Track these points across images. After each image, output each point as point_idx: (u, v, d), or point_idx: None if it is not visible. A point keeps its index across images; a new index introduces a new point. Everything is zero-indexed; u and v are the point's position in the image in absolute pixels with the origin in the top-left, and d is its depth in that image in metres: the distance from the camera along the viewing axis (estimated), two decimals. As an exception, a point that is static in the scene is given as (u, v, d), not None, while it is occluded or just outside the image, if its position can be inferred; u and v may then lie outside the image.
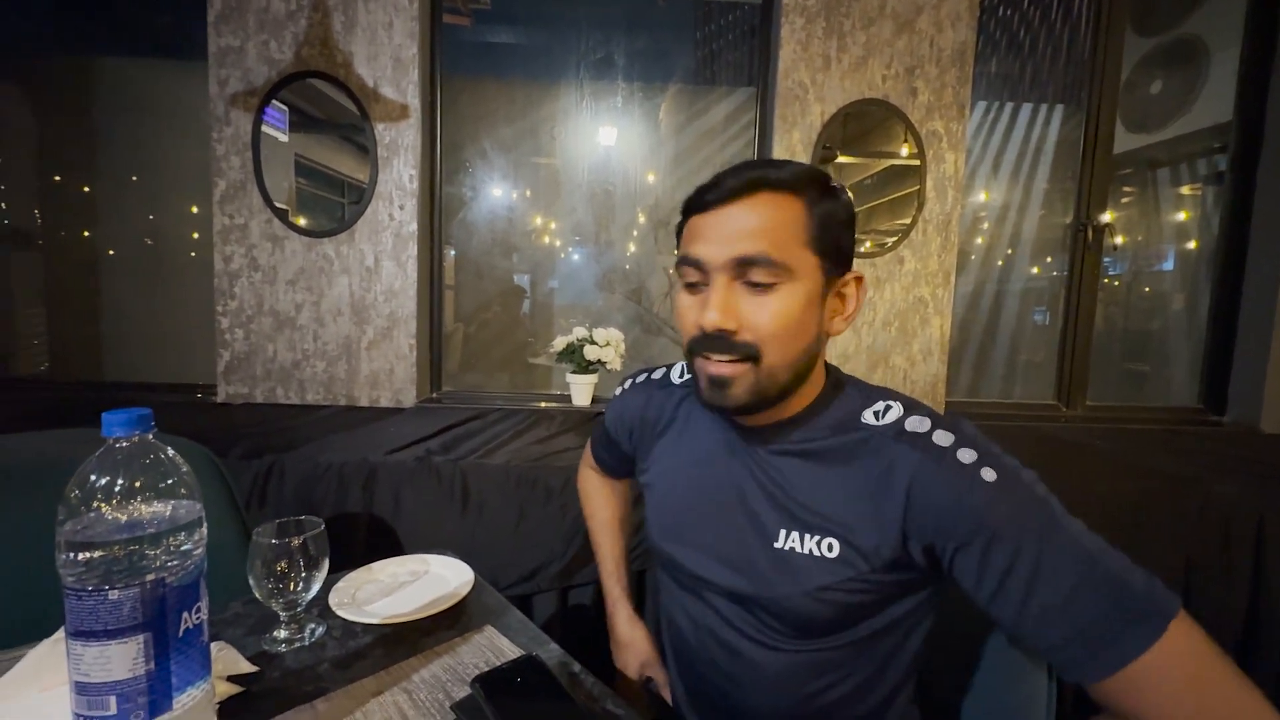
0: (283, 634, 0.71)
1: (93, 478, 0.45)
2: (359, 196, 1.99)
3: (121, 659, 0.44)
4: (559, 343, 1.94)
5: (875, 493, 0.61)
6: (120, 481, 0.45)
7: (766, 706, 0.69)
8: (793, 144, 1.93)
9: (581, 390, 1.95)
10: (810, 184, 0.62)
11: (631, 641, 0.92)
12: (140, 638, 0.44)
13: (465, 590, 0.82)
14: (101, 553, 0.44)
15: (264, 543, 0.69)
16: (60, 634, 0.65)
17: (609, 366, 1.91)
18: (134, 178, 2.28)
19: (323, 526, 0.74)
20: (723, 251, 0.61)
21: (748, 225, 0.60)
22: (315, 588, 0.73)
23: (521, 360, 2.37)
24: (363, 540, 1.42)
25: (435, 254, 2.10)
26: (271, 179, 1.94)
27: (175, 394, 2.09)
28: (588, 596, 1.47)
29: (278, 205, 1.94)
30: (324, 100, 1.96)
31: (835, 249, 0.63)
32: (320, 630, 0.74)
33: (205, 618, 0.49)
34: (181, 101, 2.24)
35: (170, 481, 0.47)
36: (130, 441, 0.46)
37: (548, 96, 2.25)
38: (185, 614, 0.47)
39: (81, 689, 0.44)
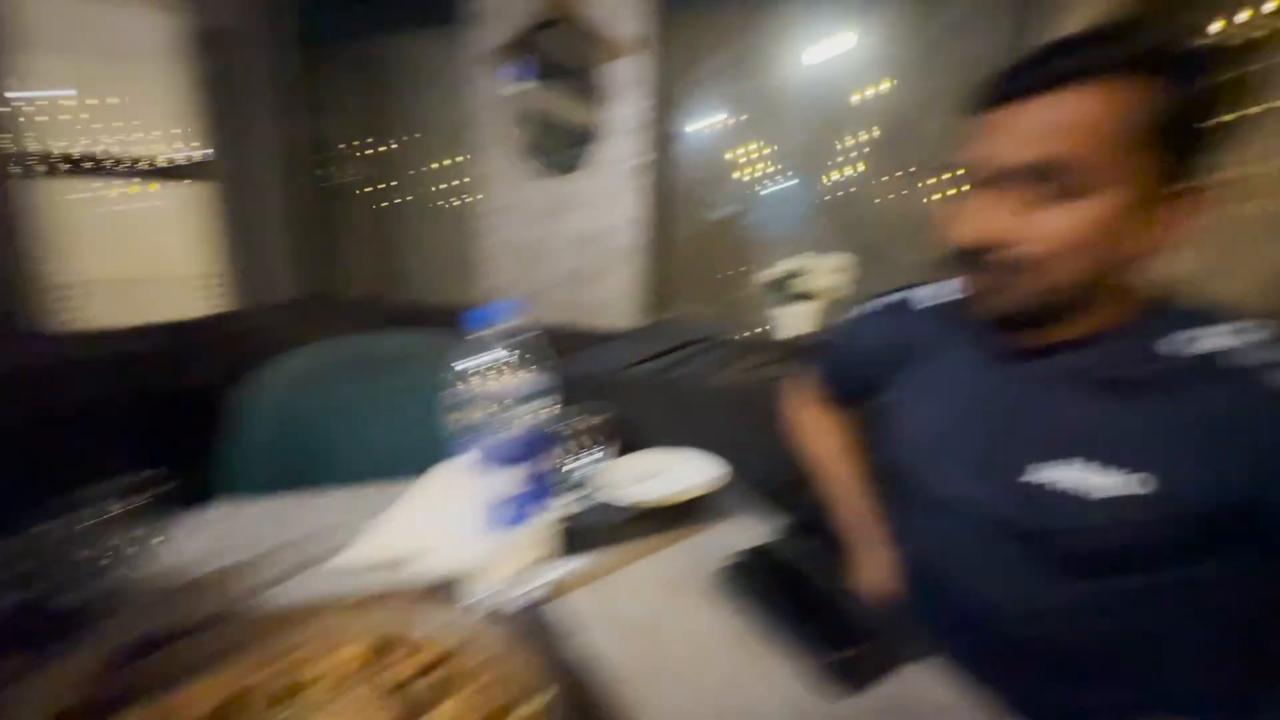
0: (560, 501, 0.86)
1: (485, 350, 0.59)
2: (591, 136, 2.14)
3: (507, 481, 0.59)
4: (777, 269, 1.93)
5: (1200, 431, 0.53)
6: (498, 355, 0.59)
7: (1025, 636, 0.66)
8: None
9: (795, 320, 1.93)
10: (1150, 62, 0.51)
11: (876, 564, 0.93)
12: (519, 469, 0.59)
13: (716, 483, 0.90)
14: (495, 405, 0.58)
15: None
16: (442, 469, 0.87)
17: (828, 297, 1.86)
18: (417, 135, 2.73)
19: (605, 416, 0.86)
20: (1018, 152, 0.53)
21: (1054, 121, 0.52)
22: (587, 468, 0.86)
23: (734, 290, 2.41)
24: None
25: (659, 186, 2.19)
26: (517, 127, 2.19)
27: (443, 316, 2.54)
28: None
29: (521, 150, 2.19)
30: (560, 46, 2.12)
31: (1175, 148, 0.52)
32: (589, 503, 0.88)
33: (552, 465, 0.63)
34: (449, 64, 2.57)
35: (528, 358, 0.61)
36: (506, 324, 0.60)
37: (769, 17, 2.15)
38: (545, 457, 0.61)
39: (480, 500, 0.60)
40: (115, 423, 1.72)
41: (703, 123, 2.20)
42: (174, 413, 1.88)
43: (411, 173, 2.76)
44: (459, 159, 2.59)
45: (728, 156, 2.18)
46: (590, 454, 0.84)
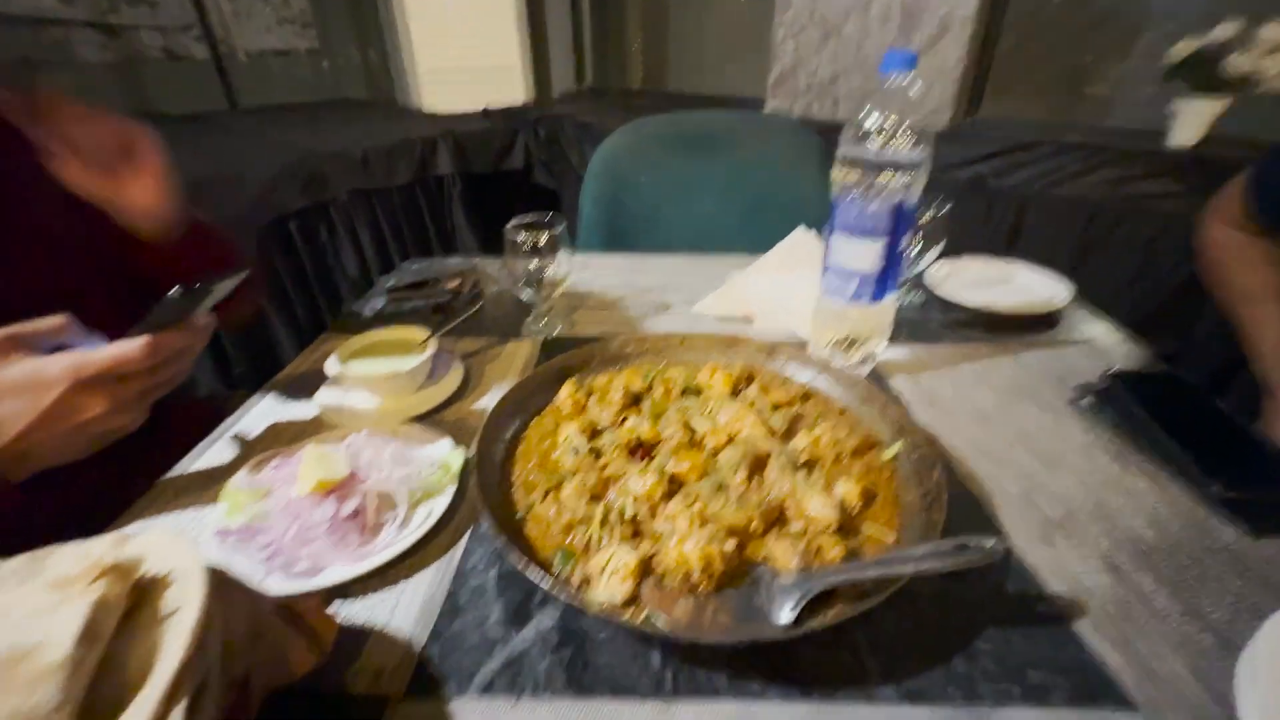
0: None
1: (867, 110, 0.56)
2: None
3: (866, 255, 0.59)
4: (1182, 47, 1.40)
5: None
6: (886, 114, 0.55)
7: None
8: None
9: (1200, 119, 1.43)
10: None
11: None
12: (880, 242, 0.58)
13: (1061, 301, 0.80)
14: (867, 172, 0.56)
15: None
16: (792, 239, 0.91)
17: (1267, 84, 1.31)
18: None
19: (943, 212, 0.79)
20: None
21: None
22: (925, 263, 0.82)
23: (1093, 79, 1.86)
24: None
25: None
26: None
27: (726, 105, 2.45)
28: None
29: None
30: None
31: None
32: (921, 299, 0.85)
33: (905, 247, 0.61)
34: None
35: (908, 127, 0.55)
36: (898, 78, 0.54)
37: None
38: (904, 235, 0.59)
39: (834, 269, 0.62)
40: (478, 192, 2.13)
41: None
42: (506, 188, 2.25)
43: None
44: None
45: None
46: (928, 248, 0.79)
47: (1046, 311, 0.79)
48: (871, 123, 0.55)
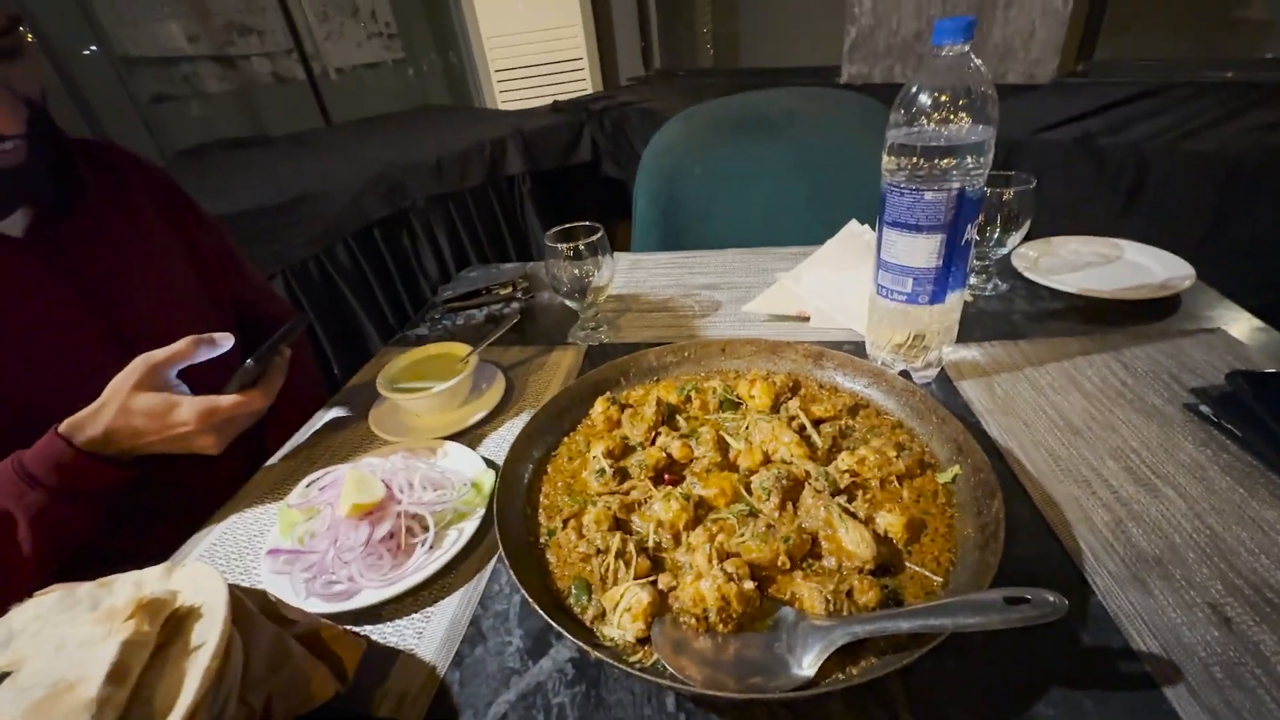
0: (972, 281, 0.76)
1: (915, 90, 0.50)
2: None
3: (922, 250, 0.53)
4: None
5: None
6: (941, 93, 0.48)
7: None
8: None
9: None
10: None
11: None
12: (938, 237, 0.52)
13: (1180, 284, 0.68)
14: (920, 159, 0.50)
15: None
16: (846, 233, 0.85)
17: None
18: None
19: (1023, 188, 0.69)
20: None
21: None
22: (1008, 246, 0.72)
23: (1239, 4, 1.57)
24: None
25: None
26: None
27: (802, 79, 2.31)
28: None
29: None
30: None
31: None
32: (1004, 286, 0.76)
33: (973, 238, 0.54)
34: None
35: (975, 101, 0.48)
36: (953, 50, 0.48)
37: None
38: (969, 225, 0.52)
39: (887, 267, 0.56)
40: (548, 188, 2.16)
41: None
42: (576, 181, 2.26)
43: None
44: None
45: None
46: (1010, 230, 0.70)
47: (1161, 296, 0.68)
48: (925, 100, 0.49)
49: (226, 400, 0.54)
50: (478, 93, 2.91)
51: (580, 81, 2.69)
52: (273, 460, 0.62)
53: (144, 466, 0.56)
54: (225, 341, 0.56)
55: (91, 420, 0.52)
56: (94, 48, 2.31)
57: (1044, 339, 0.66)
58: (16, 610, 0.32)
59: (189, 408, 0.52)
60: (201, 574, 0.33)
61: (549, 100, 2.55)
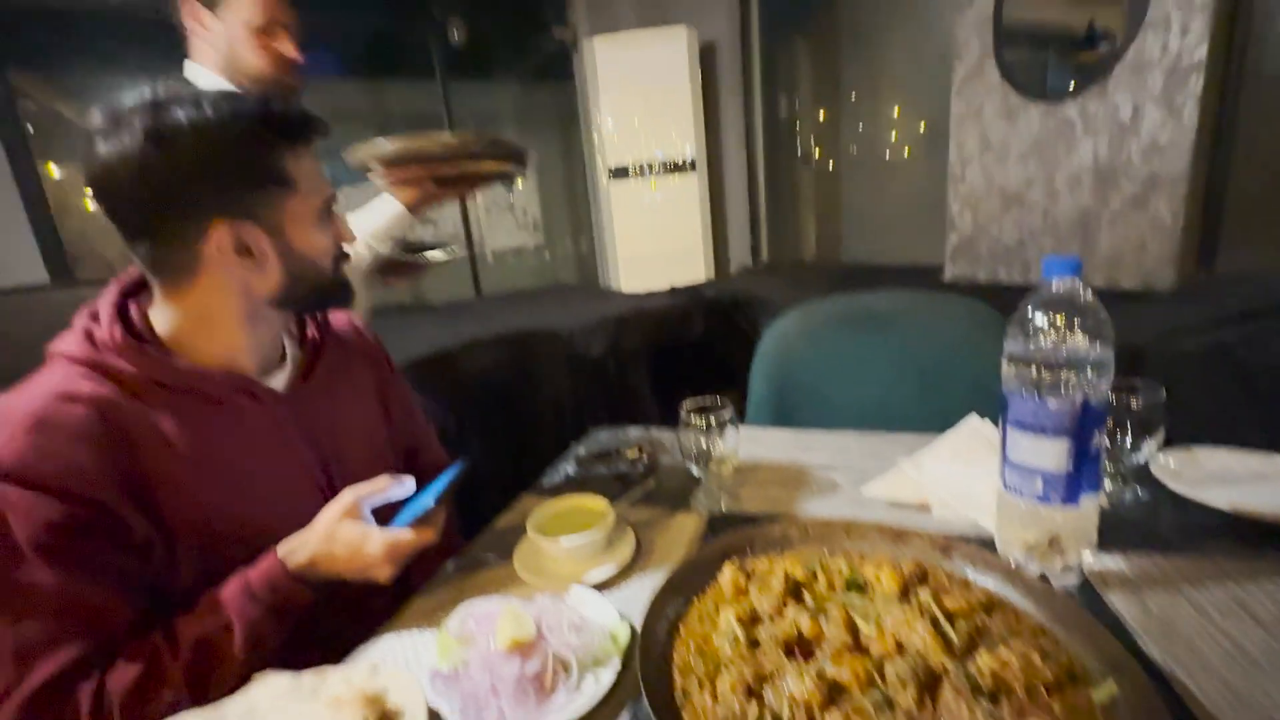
0: (1109, 487, 0.75)
1: (1030, 311, 0.57)
2: (1108, 41, 1.68)
3: (1050, 453, 0.55)
4: None
5: None
6: (1055, 314, 0.55)
7: None
8: None
9: None
10: None
11: None
12: (1065, 441, 0.55)
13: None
14: (1039, 371, 0.55)
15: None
16: (966, 427, 0.89)
17: None
18: (853, 95, 2.71)
19: (1158, 396, 0.71)
20: None
21: None
22: (1142, 452, 0.72)
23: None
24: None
25: (1227, 85, 1.58)
26: (998, 50, 1.89)
27: (903, 277, 2.47)
28: None
29: (1004, 77, 1.88)
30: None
31: None
32: (1144, 496, 0.74)
33: (1104, 445, 0.56)
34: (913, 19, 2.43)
35: (1089, 323, 0.54)
36: (1063, 284, 0.55)
37: None
38: (1096, 432, 0.54)
39: (1013, 466, 0.58)
40: (661, 361, 2.37)
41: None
42: (686, 357, 2.45)
43: (861, 130, 2.76)
44: (895, 113, 2.44)
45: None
46: (1141, 437, 0.70)
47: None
48: (1040, 321, 0.56)
49: (408, 535, 0.62)
50: (604, 275, 3.35)
51: (695, 269, 3.03)
52: (424, 591, 0.69)
53: (325, 591, 0.62)
54: (410, 484, 0.67)
55: (301, 545, 0.61)
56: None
57: (1200, 557, 0.62)
58: (256, 686, 0.39)
59: (378, 540, 0.60)
60: (403, 678, 0.39)
61: (666, 285, 2.87)
